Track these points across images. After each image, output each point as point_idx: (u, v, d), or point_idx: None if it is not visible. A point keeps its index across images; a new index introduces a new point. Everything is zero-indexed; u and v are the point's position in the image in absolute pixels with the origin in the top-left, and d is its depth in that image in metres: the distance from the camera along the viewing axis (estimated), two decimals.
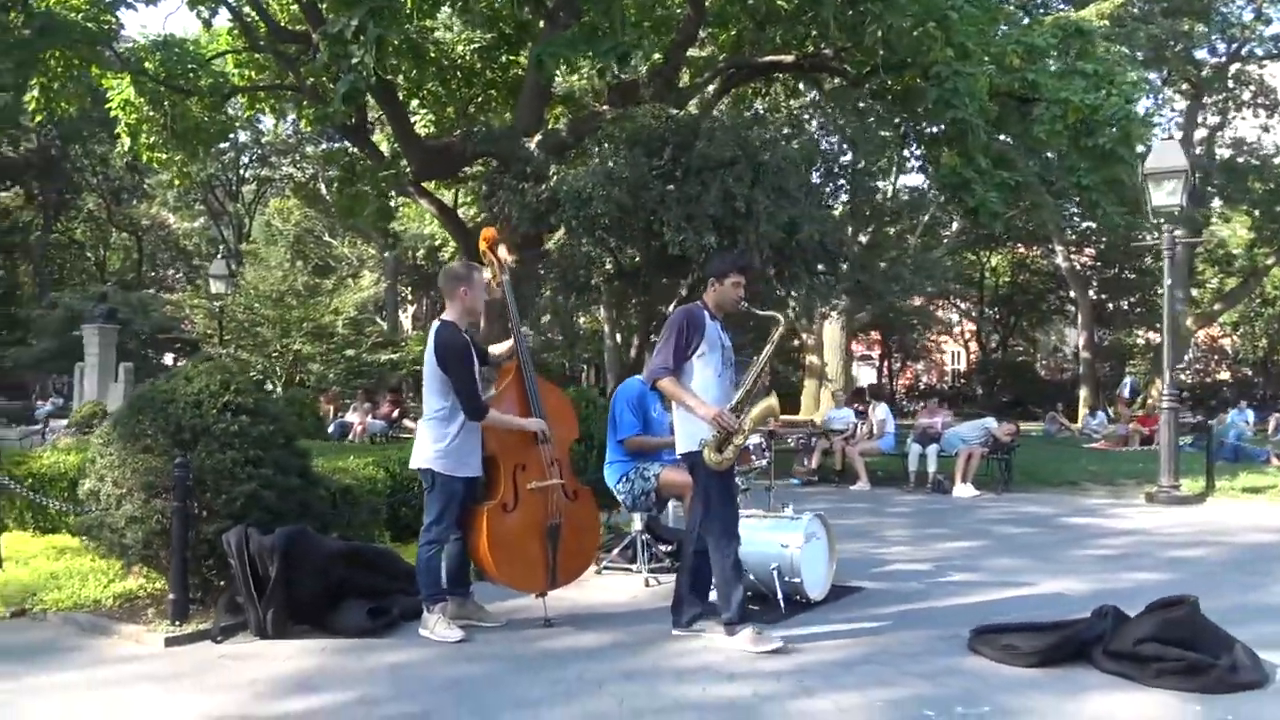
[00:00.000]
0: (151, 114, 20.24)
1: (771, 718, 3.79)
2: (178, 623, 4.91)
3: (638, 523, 6.45)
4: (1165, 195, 10.85)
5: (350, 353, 23.85)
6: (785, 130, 16.62)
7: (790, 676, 4.25)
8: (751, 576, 5.44)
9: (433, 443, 4.95)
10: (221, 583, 5.12)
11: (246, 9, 17.78)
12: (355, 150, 20.72)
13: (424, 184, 18.83)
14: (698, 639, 4.84)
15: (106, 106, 21.02)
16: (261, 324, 21.23)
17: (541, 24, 16.41)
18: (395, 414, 17.95)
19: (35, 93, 19.13)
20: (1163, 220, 11.00)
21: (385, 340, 24.63)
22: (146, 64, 19.33)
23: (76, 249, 52.96)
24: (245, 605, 4.90)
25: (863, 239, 13.90)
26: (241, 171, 49.85)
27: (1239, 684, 4.06)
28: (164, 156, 21.25)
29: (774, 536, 5.55)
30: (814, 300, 12.86)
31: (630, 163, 11.59)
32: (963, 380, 46.99)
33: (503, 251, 5.76)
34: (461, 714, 3.81)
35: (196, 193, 49.60)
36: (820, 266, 13.31)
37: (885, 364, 50.36)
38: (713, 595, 4.94)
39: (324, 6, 14.67)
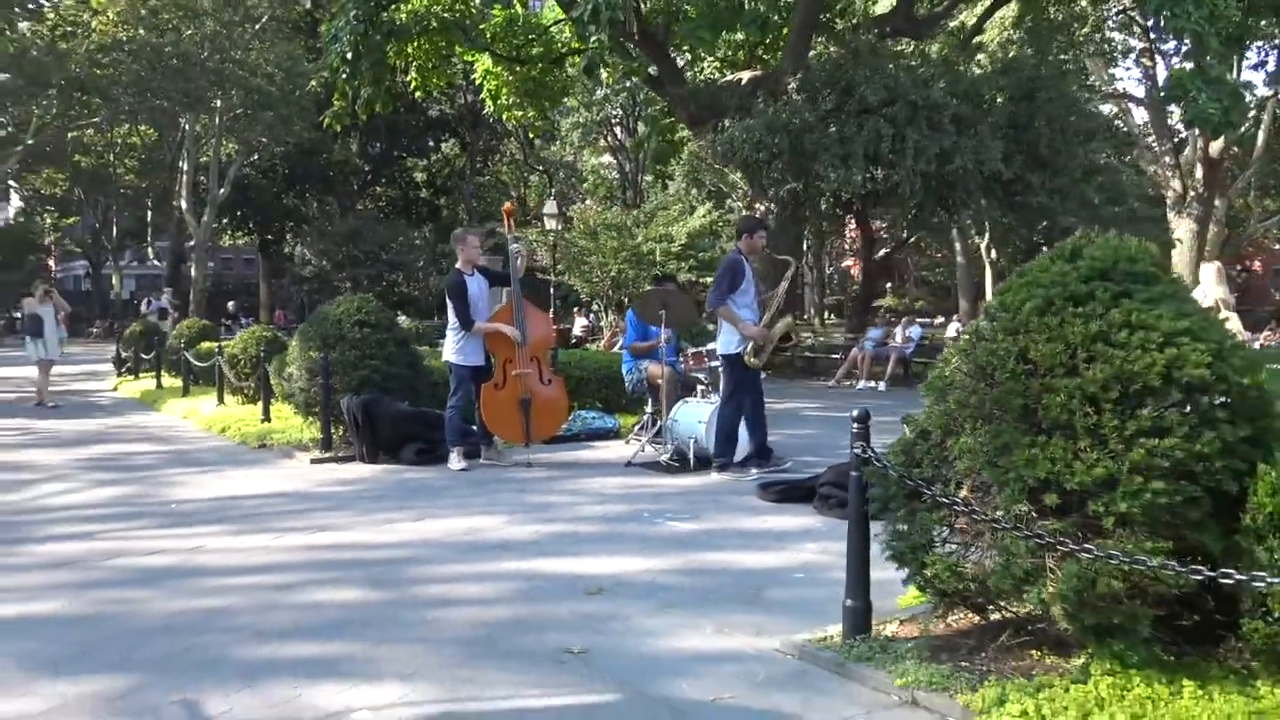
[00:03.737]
0: (509, 79, 24.59)
1: (558, 510, 6.16)
2: (323, 451, 8.22)
3: (650, 405, 8.77)
4: None
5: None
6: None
7: (619, 496, 6.57)
8: (676, 439, 7.68)
9: (451, 344, 7.77)
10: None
11: None
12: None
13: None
14: (607, 476, 7.27)
15: (473, 77, 25.79)
16: (591, 254, 25.12)
17: None
18: None
19: (413, 74, 23.92)
20: None
21: (702, 264, 27.61)
22: (494, 39, 23.50)
23: (501, 188, 61.53)
24: (353, 441, 8.09)
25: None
26: (637, 110, 55.01)
27: None
28: (519, 114, 25.66)
29: (694, 414, 7.71)
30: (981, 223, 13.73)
31: (792, 110, 13.31)
32: None
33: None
34: (401, 498, 6.62)
35: (596, 132, 55.65)
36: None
37: None
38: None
39: None
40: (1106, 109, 30.83)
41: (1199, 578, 2.76)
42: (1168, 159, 30.40)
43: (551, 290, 25.25)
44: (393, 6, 19.70)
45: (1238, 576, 2.66)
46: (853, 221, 17.29)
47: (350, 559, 5.04)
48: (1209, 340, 2.94)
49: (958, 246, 40.20)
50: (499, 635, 3.82)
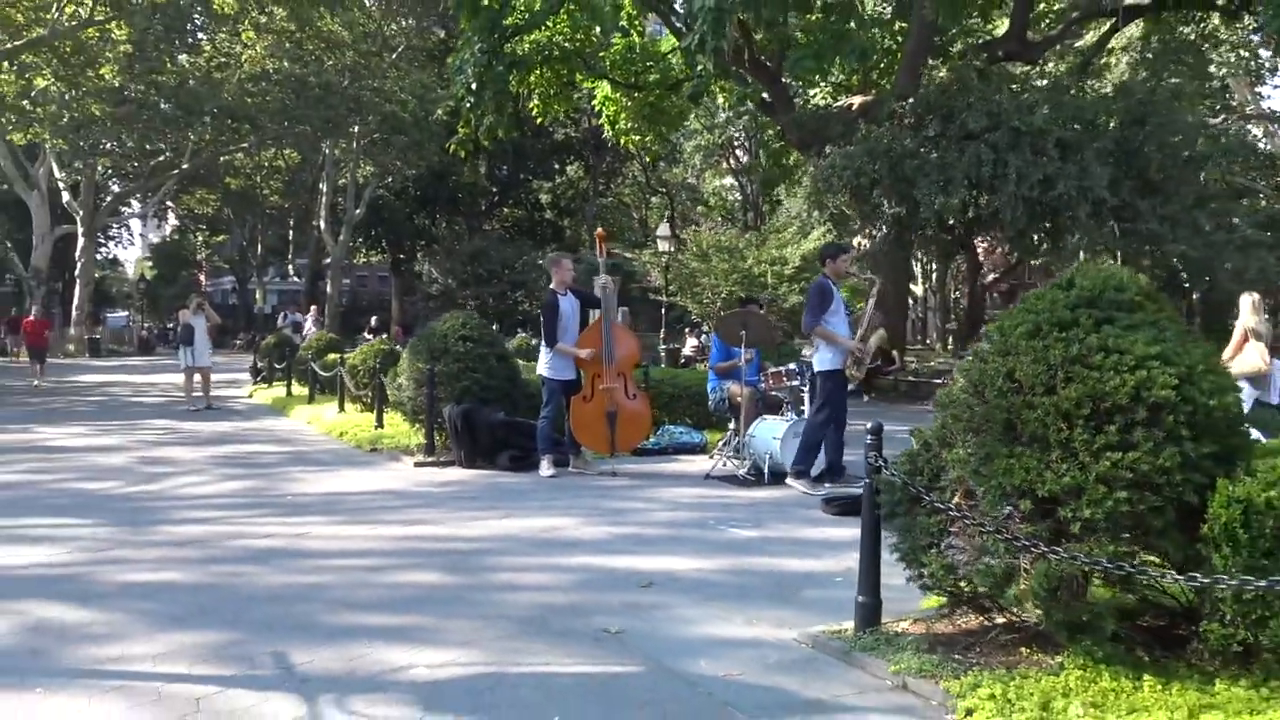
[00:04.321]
0: (627, 104, 25.33)
1: (631, 515, 6.62)
2: (426, 456, 8.89)
3: (733, 423, 9.15)
4: None
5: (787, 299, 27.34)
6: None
7: (690, 505, 6.99)
8: (753, 455, 8.05)
9: (543, 359, 8.33)
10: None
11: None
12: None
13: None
14: (690, 486, 7.71)
15: (592, 102, 26.66)
16: (703, 276, 25.62)
17: None
18: None
19: (535, 101, 24.88)
20: None
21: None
22: (613, 66, 24.25)
23: (624, 209, 62.57)
24: (453, 447, 8.74)
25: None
26: (758, 132, 55.31)
27: None
28: (637, 138, 26.39)
29: (771, 431, 8.06)
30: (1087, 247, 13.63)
31: (893, 136, 13.52)
32: None
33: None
34: (491, 499, 7.19)
35: (718, 154, 56.15)
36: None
37: None
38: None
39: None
40: (1253, 130, 29.72)
41: (1195, 584, 3.02)
42: None
43: (663, 311, 25.83)
44: (515, 38, 20.63)
45: (1226, 582, 2.91)
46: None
47: (435, 548, 5.61)
48: (1179, 364, 3.19)
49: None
50: (551, 616, 4.29)
